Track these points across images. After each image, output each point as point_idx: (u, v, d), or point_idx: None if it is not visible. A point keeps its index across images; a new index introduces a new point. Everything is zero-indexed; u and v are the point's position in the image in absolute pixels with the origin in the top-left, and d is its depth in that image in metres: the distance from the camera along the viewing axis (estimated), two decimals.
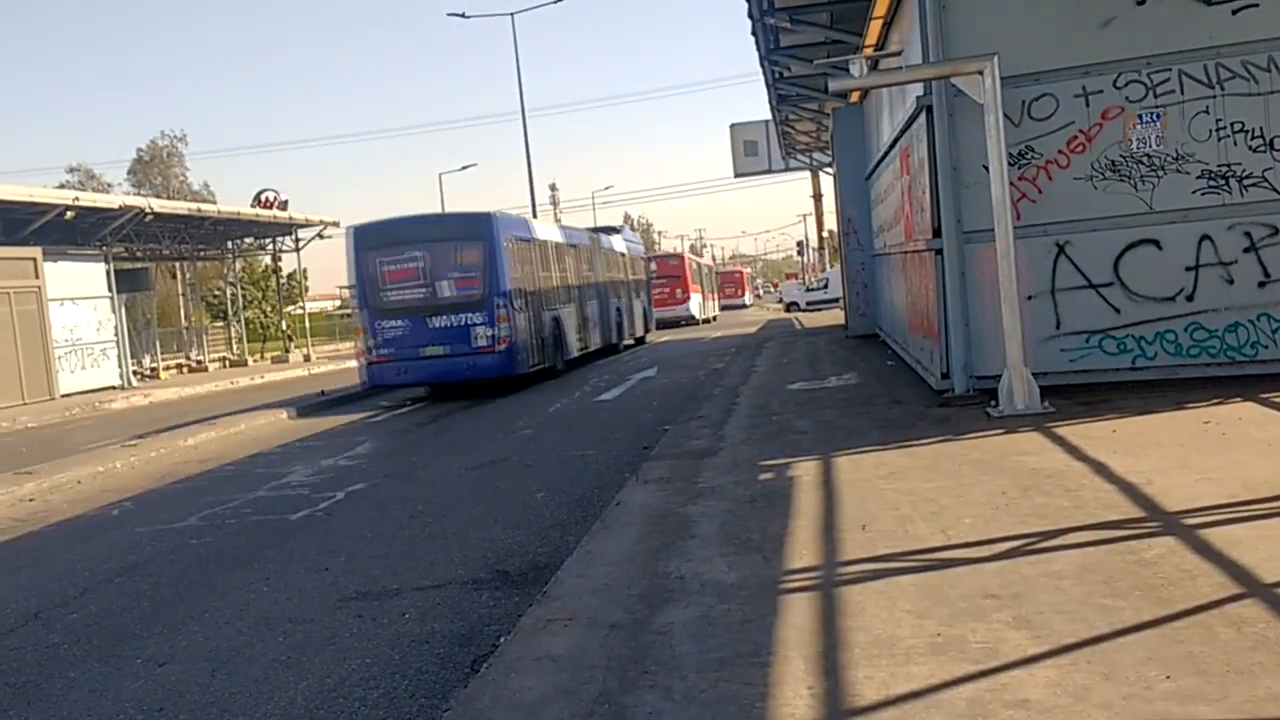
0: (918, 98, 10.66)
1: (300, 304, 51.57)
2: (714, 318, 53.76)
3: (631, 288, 32.00)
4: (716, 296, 61.55)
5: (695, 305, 49.19)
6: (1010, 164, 9.67)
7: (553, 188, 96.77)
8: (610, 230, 32.54)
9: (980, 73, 9.43)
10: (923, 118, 10.58)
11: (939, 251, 10.36)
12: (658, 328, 37.25)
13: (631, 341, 31.47)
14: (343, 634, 5.59)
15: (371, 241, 18.97)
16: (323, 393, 21.17)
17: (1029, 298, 9.88)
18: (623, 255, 31.48)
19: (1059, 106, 9.92)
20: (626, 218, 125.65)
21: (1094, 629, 4.05)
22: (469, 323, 18.51)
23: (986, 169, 9.56)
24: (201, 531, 8.69)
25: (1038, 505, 6.01)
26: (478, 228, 18.98)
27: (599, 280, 27.19)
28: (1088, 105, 9.87)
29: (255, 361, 41.60)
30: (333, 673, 5.00)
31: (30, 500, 11.02)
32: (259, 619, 6.01)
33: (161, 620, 6.19)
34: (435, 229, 19.56)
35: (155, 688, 5.05)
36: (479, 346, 18.50)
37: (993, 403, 9.51)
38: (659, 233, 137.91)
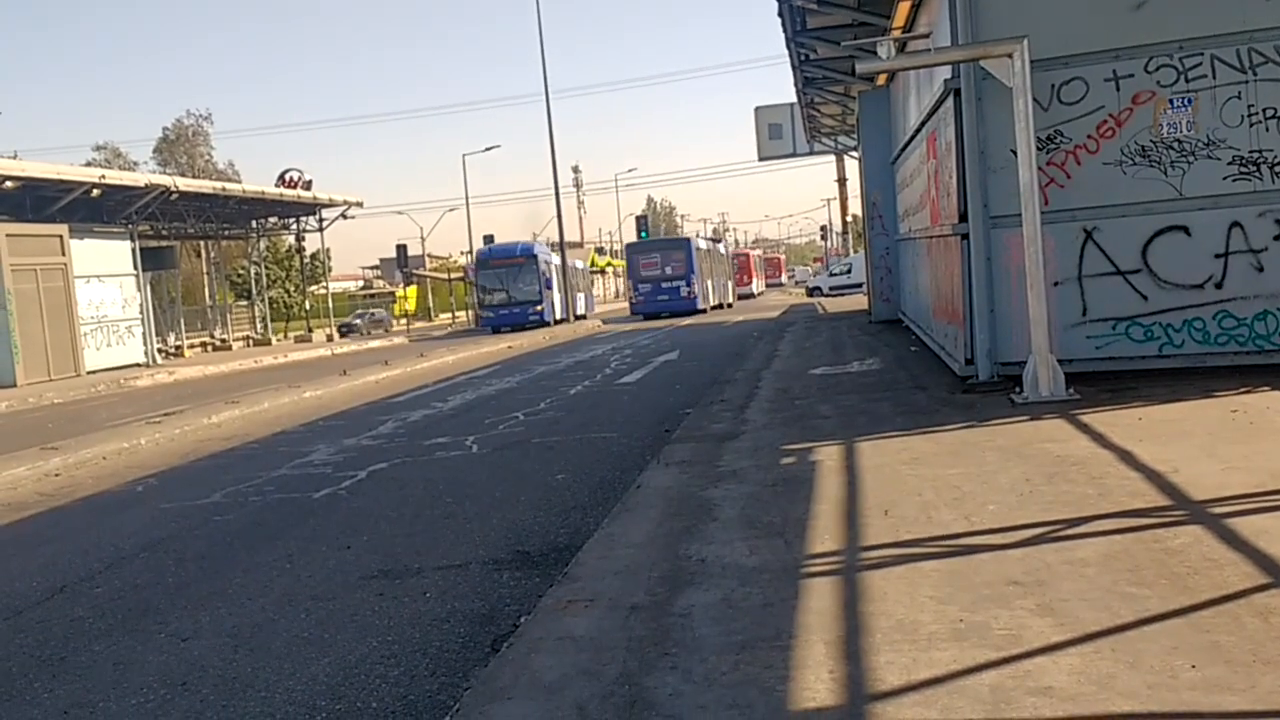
0: (945, 81, 10.56)
1: (323, 284, 51.77)
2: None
3: (724, 273, 52.68)
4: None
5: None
6: (1039, 148, 9.57)
7: (575, 169, 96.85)
8: (717, 240, 59.62)
9: (1010, 56, 9.33)
10: (950, 101, 10.48)
11: (965, 236, 10.28)
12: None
13: (723, 305, 48.87)
14: (364, 612, 5.61)
15: (637, 249, 44.60)
16: (344, 372, 21.28)
17: (1055, 284, 9.78)
18: (722, 253, 54.30)
19: (1089, 90, 9.80)
20: (650, 201, 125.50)
21: (1118, 617, 4.02)
22: (678, 286, 41.90)
23: (1014, 153, 9.47)
24: (225, 509, 8.75)
25: (1062, 492, 5.97)
26: (682, 242, 45.14)
27: (716, 268, 48.76)
28: (1118, 89, 9.74)
29: (278, 341, 41.80)
30: (354, 650, 5.02)
31: (56, 475, 11.12)
32: (282, 596, 6.05)
33: (185, 596, 6.24)
34: (664, 244, 45.61)
35: (179, 662, 5.09)
36: (683, 295, 41.78)
37: (1017, 389, 9.44)
38: (681, 216, 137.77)
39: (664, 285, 41.58)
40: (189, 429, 13.96)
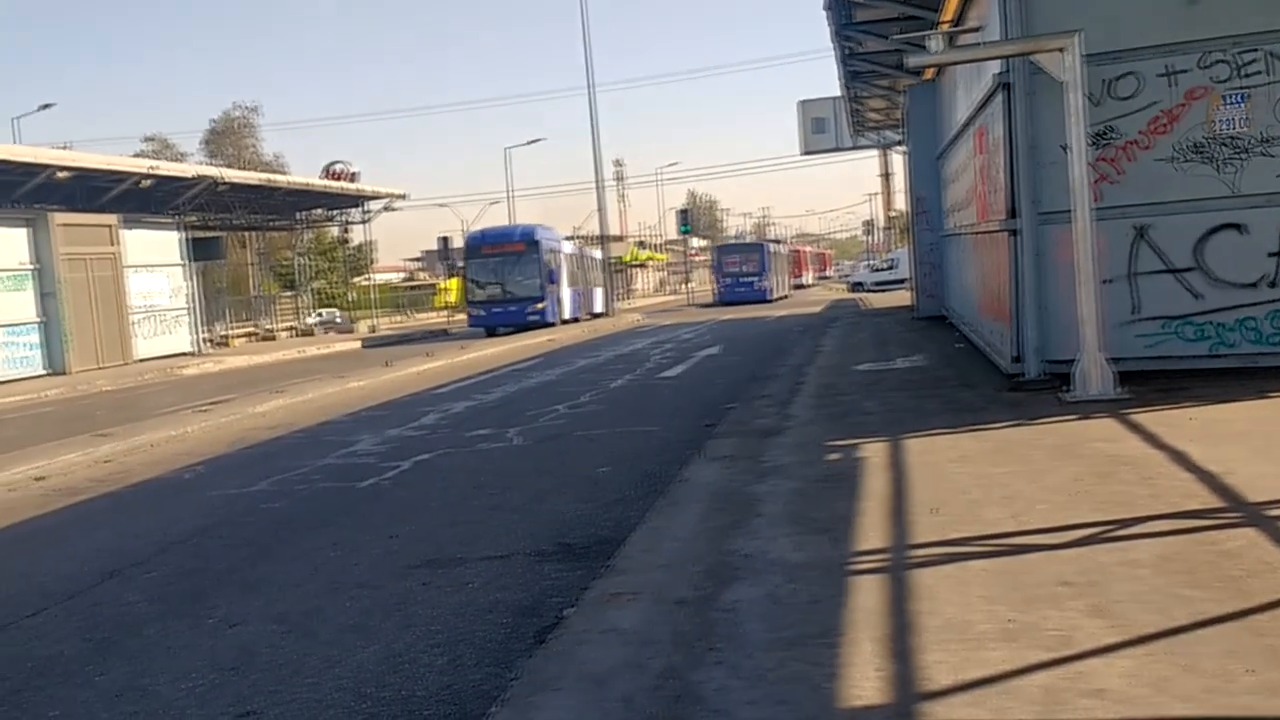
0: (995, 75, 10.44)
1: (367, 275, 52.16)
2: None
3: (785, 269, 58.59)
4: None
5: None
6: (1090, 144, 9.43)
7: (617, 163, 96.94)
8: (778, 241, 64.60)
9: (1062, 50, 9.20)
10: (1000, 95, 10.36)
11: (1014, 232, 10.17)
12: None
13: (784, 296, 52.62)
14: (409, 600, 5.65)
15: (724, 250, 52.80)
16: (387, 363, 21.44)
17: (1106, 281, 9.64)
18: (784, 254, 59.90)
19: (1142, 86, 9.66)
20: (691, 195, 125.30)
21: (1173, 619, 3.96)
22: (755, 279, 47.87)
23: (1065, 149, 9.35)
24: (272, 496, 8.85)
25: (1114, 492, 5.89)
26: (759, 246, 52.58)
27: (779, 265, 54.06)
28: (1171, 85, 9.59)
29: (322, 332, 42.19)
30: (400, 638, 5.06)
31: (108, 462, 11.30)
32: (328, 583, 6.11)
33: (234, 582, 6.31)
34: (745, 247, 54.12)
35: (228, 647, 5.15)
36: (756, 288, 47.29)
37: (1066, 388, 9.33)
38: (723, 211, 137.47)
39: (742, 279, 48.85)
40: (236, 417, 14.13)
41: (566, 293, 37.85)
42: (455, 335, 36.04)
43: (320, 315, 45.38)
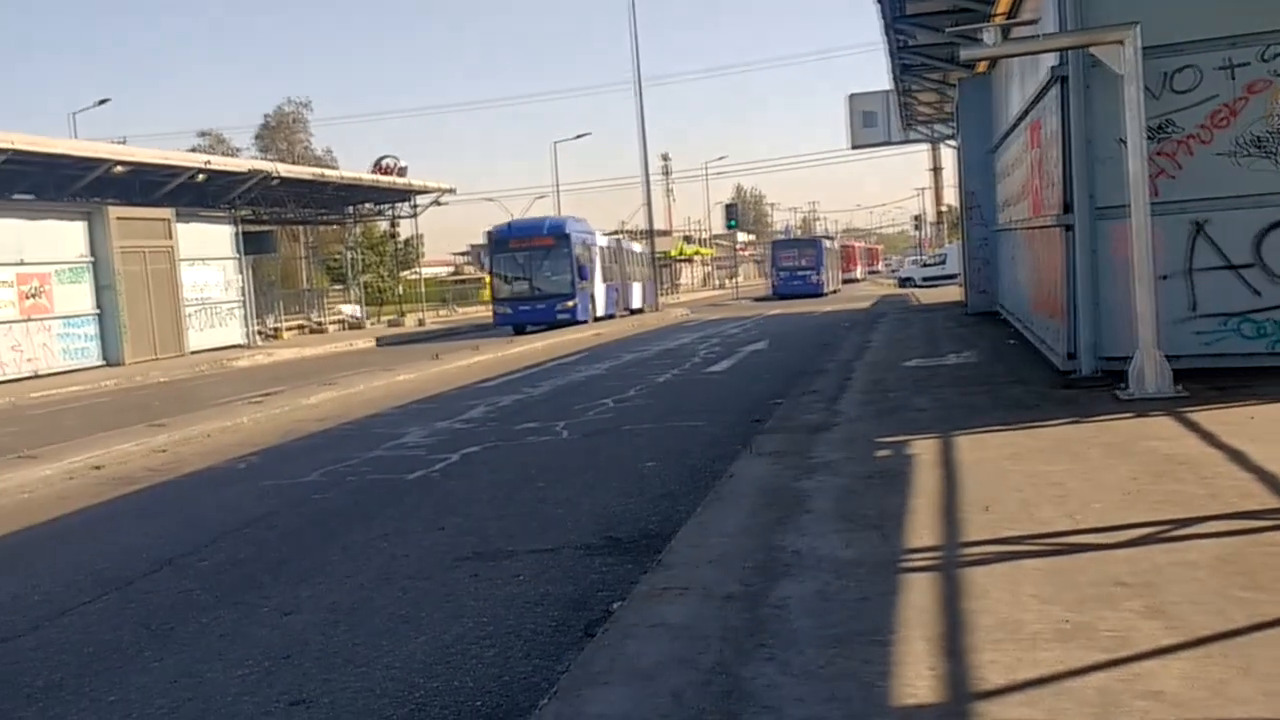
0: (1052, 68, 10.29)
1: (415, 269, 52.52)
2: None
3: (837, 264, 60.34)
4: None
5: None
6: (1148, 138, 9.27)
7: (665, 158, 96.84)
8: (831, 237, 68.55)
9: (1120, 43, 9.05)
10: (1056, 89, 10.23)
11: (1069, 227, 10.04)
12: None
13: (836, 290, 54.09)
14: (459, 592, 5.69)
15: (780, 245, 54.67)
16: (437, 356, 21.61)
17: (1163, 277, 9.48)
18: (835, 249, 61.92)
19: (1201, 79, 9.48)
20: (738, 189, 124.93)
21: (1231, 622, 3.89)
22: (809, 273, 49.88)
23: (1123, 143, 9.20)
24: (323, 487, 8.94)
25: (1170, 492, 5.79)
26: (814, 241, 55.20)
27: (832, 260, 55.94)
28: (1232, 78, 9.40)
29: (371, 325, 42.57)
30: (449, 629, 5.09)
31: (163, 451, 11.48)
32: (378, 574, 6.16)
33: (287, 571, 6.39)
34: (800, 242, 55.69)
35: (281, 636, 5.22)
36: (811, 282, 49.35)
37: (1121, 385, 9.19)
38: (770, 205, 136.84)
39: (798, 273, 50.61)
40: (287, 409, 14.30)
41: (600, 289, 35.62)
42: (466, 334, 34.18)
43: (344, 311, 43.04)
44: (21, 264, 23.11)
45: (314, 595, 5.85)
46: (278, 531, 7.49)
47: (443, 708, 4.20)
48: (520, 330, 31.52)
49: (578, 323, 31.86)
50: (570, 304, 32.15)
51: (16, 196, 24.60)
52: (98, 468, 10.55)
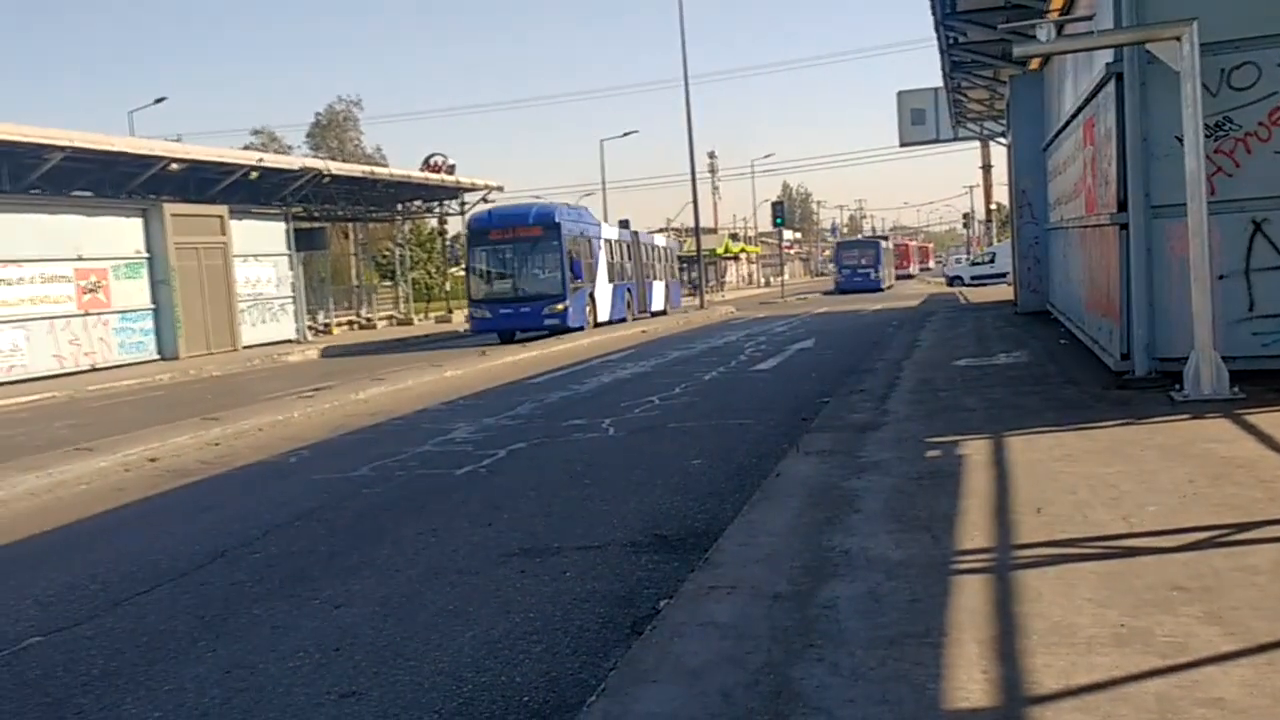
0: (1107, 64, 10.13)
1: (464, 266, 52.73)
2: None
3: (893, 262, 65.09)
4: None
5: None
6: (1206, 135, 9.10)
7: (711, 155, 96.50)
8: (885, 237, 73.51)
9: (1178, 39, 8.89)
10: (1111, 85, 10.06)
11: (1124, 226, 9.87)
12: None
13: (891, 286, 58.05)
14: (506, 588, 5.71)
15: (843, 245, 60.87)
16: (484, 352, 21.72)
17: (1220, 277, 9.30)
18: (890, 248, 66.32)
19: (1261, 76, 9.29)
20: (785, 187, 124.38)
21: None
22: (870, 270, 54.89)
23: (1180, 140, 9.03)
24: (372, 482, 9.02)
25: (1229, 495, 5.68)
26: (874, 241, 60.80)
27: (888, 258, 60.03)
28: None
29: (420, 320, 42.90)
30: (497, 624, 5.12)
31: (216, 445, 11.65)
32: (427, 569, 6.20)
33: (337, 564, 6.45)
34: (861, 243, 62.06)
35: (332, 628, 5.27)
36: (870, 279, 54.08)
37: (1177, 386, 9.03)
38: (817, 203, 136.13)
39: (859, 270, 55.30)
40: (338, 404, 14.45)
41: (604, 289, 30.83)
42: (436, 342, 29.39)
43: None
44: (80, 259, 23.55)
45: (364, 589, 5.90)
46: (328, 525, 7.56)
47: (491, 703, 4.22)
48: (509, 338, 27.18)
49: (570, 329, 26.87)
50: (560, 307, 26.99)
51: (75, 193, 25.06)
52: (153, 460, 10.73)
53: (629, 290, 33.79)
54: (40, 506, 9.08)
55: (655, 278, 38.04)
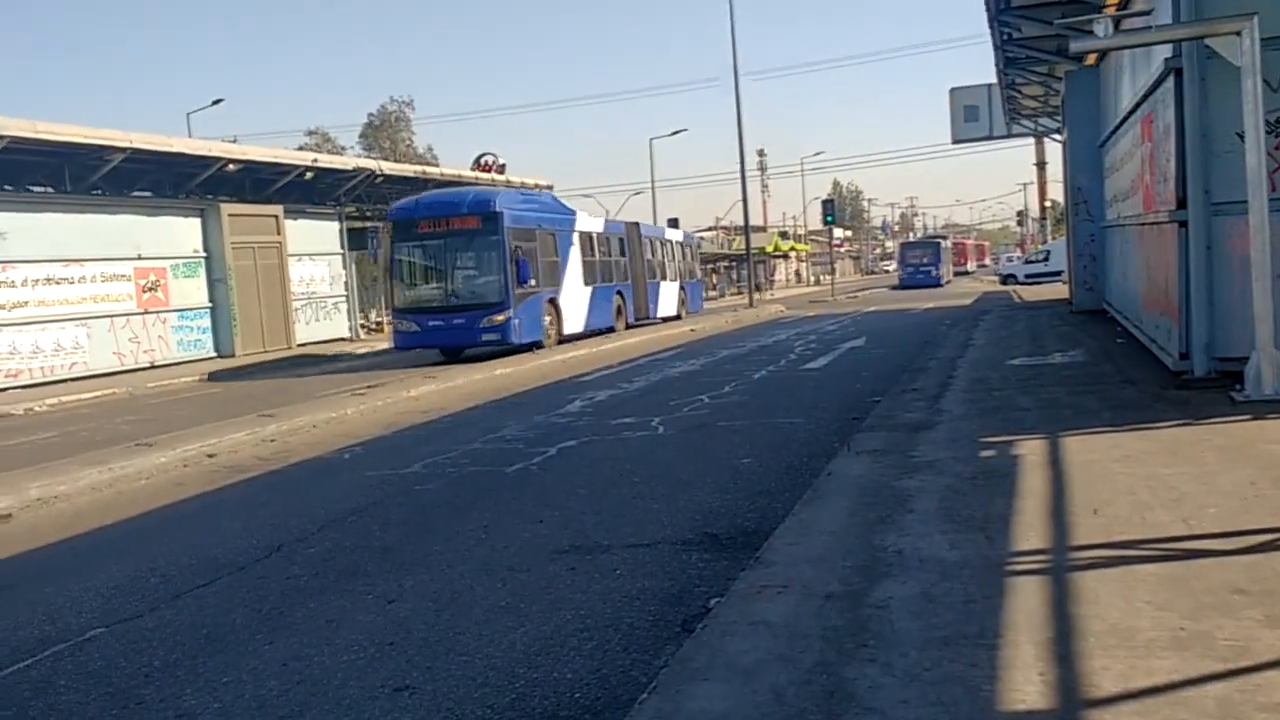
0: (1166, 60, 9.96)
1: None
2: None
3: (950, 260, 68.07)
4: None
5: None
6: (1268, 131, 8.91)
7: (760, 153, 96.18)
8: (944, 237, 77.70)
9: (1238, 33, 8.72)
10: (1170, 81, 9.90)
11: (1183, 223, 9.71)
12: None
13: (948, 281, 61.09)
14: (557, 585, 5.74)
15: (907, 246, 65.70)
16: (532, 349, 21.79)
17: None
18: (948, 247, 69.45)
19: None
20: (835, 184, 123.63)
21: None
22: (931, 268, 58.08)
23: (1241, 136, 8.86)
24: (425, 478, 9.11)
25: None
26: (935, 242, 65.88)
27: (946, 256, 63.29)
28: None
29: None
30: (549, 621, 5.14)
31: (272, 441, 11.83)
32: (479, 565, 6.25)
33: (390, 560, 6.53)
34: (923, 243, 66.82)
35: (386, 623, 5.33)
36: (931, 275, 57.52)
37: (1237, 386, 8.86)
38: (868, 200, 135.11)
39: (921, 268, 59.08)
40: (390, 401, 14.60)
41: (578, 294, 25.27)
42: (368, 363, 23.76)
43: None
44: (139, 259, 24.03)
45: (417, 584, 5.96)
46: (381, 521, 7.65)
47: (543, 698, 4.24)
48: (456, 356, 22.00)
49: (514, 347, 21.44)
50: (500, 318, 21.14)
51: (135, 193, 25.54)
52: (211, 456, 10.92)
53: (619, 294, 28.35)
54: (102, 501, 9.28)
55: (663, 278, 32.60)
